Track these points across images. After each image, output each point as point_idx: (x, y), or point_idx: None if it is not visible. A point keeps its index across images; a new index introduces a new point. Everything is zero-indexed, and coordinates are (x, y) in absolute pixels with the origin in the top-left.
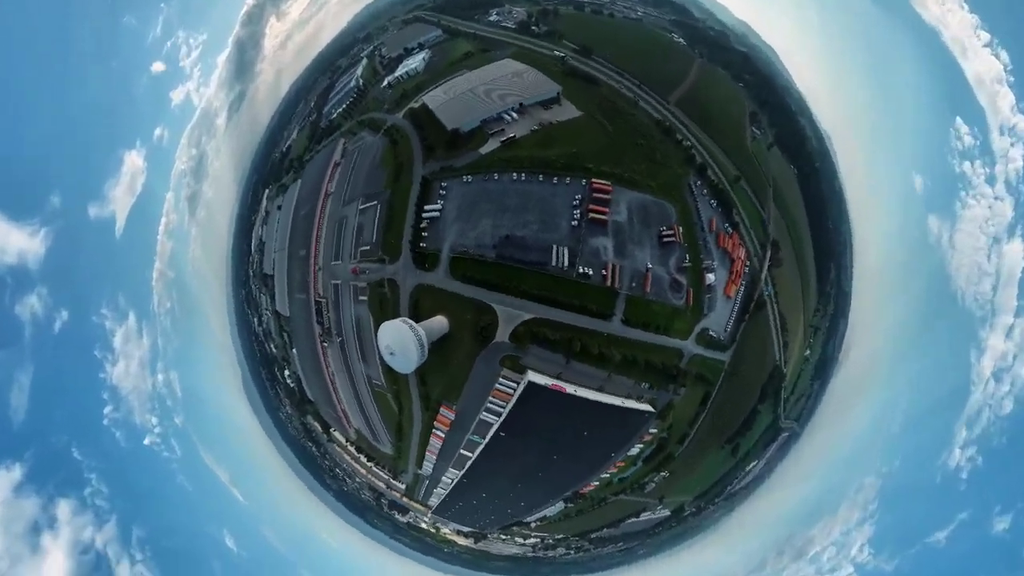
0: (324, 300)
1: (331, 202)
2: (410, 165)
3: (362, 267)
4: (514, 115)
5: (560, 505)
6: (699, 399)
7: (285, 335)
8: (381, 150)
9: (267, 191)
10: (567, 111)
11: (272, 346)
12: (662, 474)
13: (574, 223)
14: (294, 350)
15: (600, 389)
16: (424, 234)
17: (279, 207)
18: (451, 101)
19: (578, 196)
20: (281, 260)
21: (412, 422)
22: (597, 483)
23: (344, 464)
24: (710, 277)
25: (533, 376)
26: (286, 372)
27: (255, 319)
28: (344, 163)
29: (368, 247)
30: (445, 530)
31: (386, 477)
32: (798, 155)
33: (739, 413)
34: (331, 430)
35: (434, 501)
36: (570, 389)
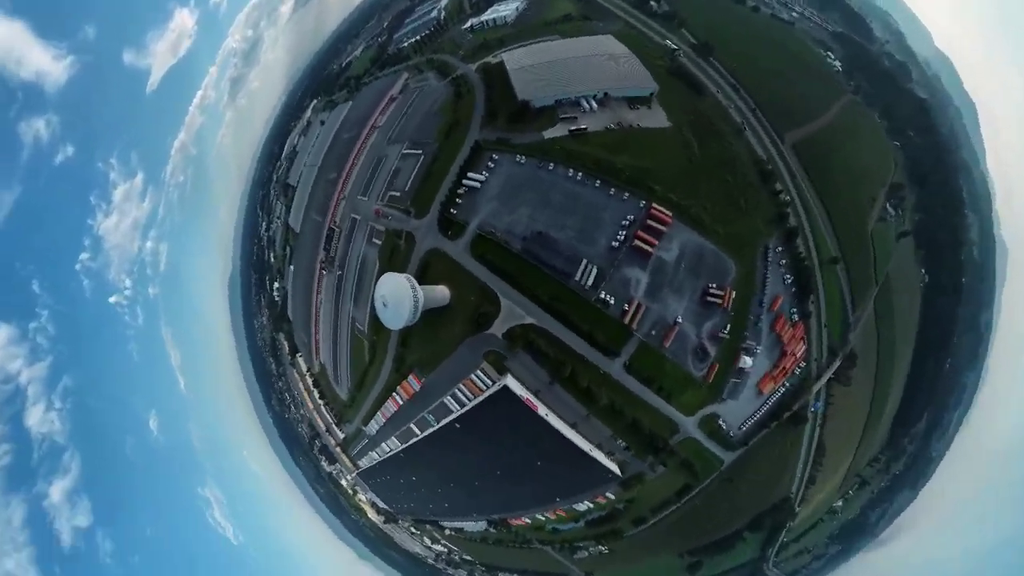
0: (338, 230)
1: (376, 135)
2: (467, 125)
3: (386, 211)
4: (594, 104)
5: (482, 525)
6: (676, 488)
7: (288, 249)
8: (442, 99)
9: (315, 101)
10: (655, 117)
11: (271, 255)
12: (600, 548)
13: (615, 244)
14: (292, 266)
15: (573, 425)
16: (458, 201)
17: (322, 122)
18: (531, 68)
19: (630, 216)
20: (309, 176)
21: (377, 378)
22: (529, 521)
23: (296, 391)
24: (746, 361)
25: (511, 382)
26: (276, 284)
27: (264, 223)
28: (401, 100)
29: (399, 194)
30: (361, 497)
31: (330, 420)
32: (941, 259)
33: (717, 528)
34: (297, 354)
35: (364, 463)
36: (542, 411)
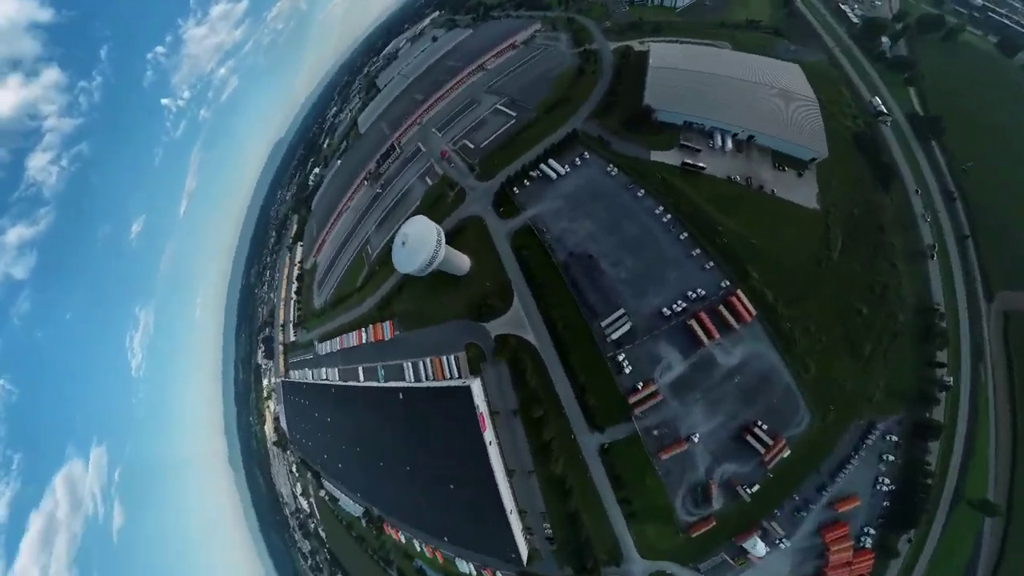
0: (399, 151)
1: (480, 77)
2: (575, 108)
3: (453, 157)
4: (729, 143)
5: (359, 510)
6: None
7: (345, 144)
8: (563, 69)
9: (436, 14)
10: (801, 190)
11: (327, 140)
12: None
13: (667, 311)
14: (339, 161)
15: (510, 473)
16: (526, 182)
17: (435, 38)
18: (676, 72)
19: (701, 291)
20: (398, 85)
21: (358, 306)
22: (404, 540)
23: (278, 274)
24: (757, 547)
25: (476, 387)
26: (316, 170)
27: (335, 107)
28: (521, 51)
29: (472, 147)
30: (270, 405)
31: (292, 318)
32: None
33: None
34: (299, 242)
35: (295, 375)
36: (488, 437)
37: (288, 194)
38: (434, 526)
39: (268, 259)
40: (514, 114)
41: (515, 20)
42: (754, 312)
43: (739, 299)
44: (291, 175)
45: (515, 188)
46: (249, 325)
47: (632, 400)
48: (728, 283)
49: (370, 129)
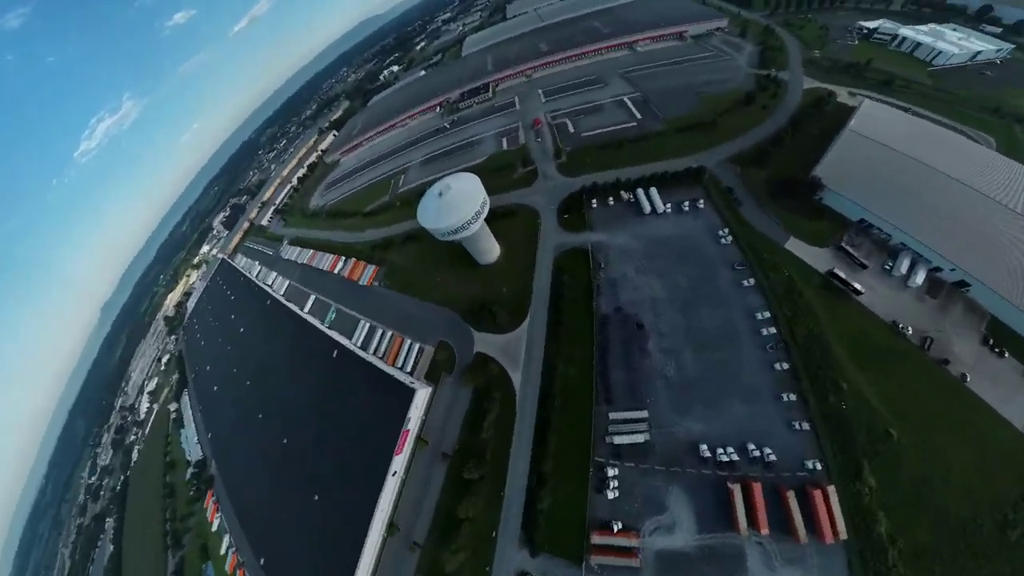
0: (490, 95)
1: (621, 55)
2: (718, 140)
3: (544, 132)
4: (920, 277)
5: (197, 454)
6: None
7: (439, 57)
8: (727, 87)
9: None
10: (1020, 399)
11: (421, 44)
12: None
13: (706, 452)
14: (423, 72)
15: (389, 529)
16: (609, 201)
17: None
18: (882, 150)
19: (771, 453)
20: (526, 23)
21: (353, 231)
22: (215, 528)
23: (291, 150)
24: None
25: (420, 396)
26: (394, 68)
27: (449, 13)
28: (686, 46)
29: (572, 131)
30: (192, 275)
31: (278, 202)
32: None
33: None
34: (333, 131)
35: (240, 261)
36: (397, 464)
37: (352, 76)
38: (261, 538)
39: (292, 129)
40: (639, 116)
41: (701, 6)
42: (844, 534)
43: (826, 500)
44: (365, 59)
45: (594, 200)
46: (229, 181)
47: (595, 540)
48: (820, 466)
49: (473, 56)
